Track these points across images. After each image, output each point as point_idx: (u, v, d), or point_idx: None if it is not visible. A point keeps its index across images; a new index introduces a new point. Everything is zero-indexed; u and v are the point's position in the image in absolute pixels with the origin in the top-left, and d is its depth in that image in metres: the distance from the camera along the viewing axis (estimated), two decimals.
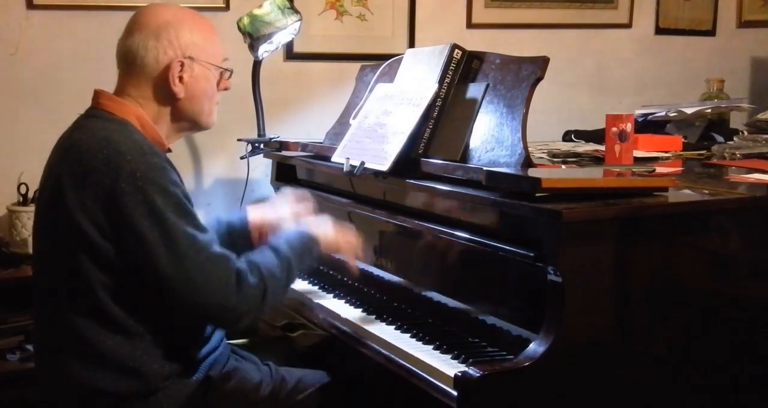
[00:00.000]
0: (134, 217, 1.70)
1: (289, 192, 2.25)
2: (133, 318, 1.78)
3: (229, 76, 1.99)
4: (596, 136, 2.94)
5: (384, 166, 2.10)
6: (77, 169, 1.74)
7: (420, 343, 1.88)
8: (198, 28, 1.91)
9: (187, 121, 1.95)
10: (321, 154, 2.58)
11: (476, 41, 3.12)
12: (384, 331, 1.99)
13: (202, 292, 1.73)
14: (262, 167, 3.10)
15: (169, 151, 1.94)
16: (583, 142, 3.02)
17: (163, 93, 1.89)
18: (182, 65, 1.87)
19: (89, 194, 1.71)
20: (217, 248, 1.78)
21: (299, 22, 2.88)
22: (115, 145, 1.74)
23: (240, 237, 2.14)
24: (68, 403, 1.83)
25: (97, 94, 1.90)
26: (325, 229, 2.06)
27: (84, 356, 1.79)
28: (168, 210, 1.71)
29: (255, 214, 2.21)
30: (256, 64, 2.91)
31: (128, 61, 1.88)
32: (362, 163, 2.17)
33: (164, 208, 1.71)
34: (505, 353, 1.78)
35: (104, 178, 1.71)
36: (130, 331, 1.78)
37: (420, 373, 1.78)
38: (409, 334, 1.94)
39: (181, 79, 1.88)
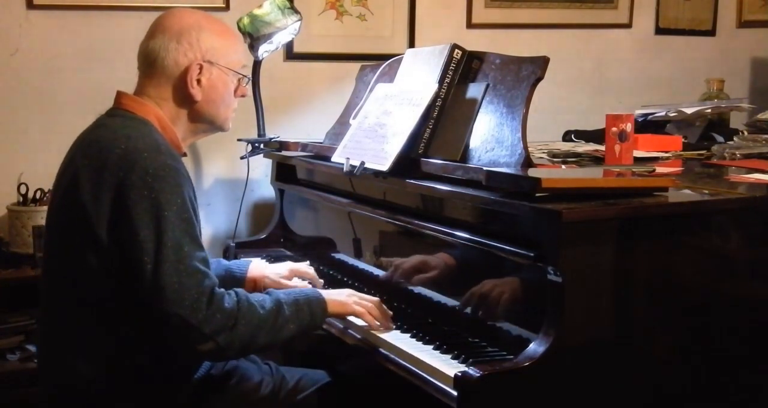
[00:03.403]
0: (136, 211, 1.70)
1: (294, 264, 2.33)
2: (134, 317, 1.77)
3: (247, 83, 2.01)
4: (596, 136, 2.94)
5: (384, 166, 2.10)
6: (96, 163, 1.76)
7: (420, 343, 1.88)
8: (219, 33, 1.94)
9: (204, 123, 1.97)
10: (321, 154, 2.58)
11: (476, 41, 3.11)
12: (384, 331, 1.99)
13: (169, 301, 1.68)
14: (262, 167, 3.11)
15: (185, 155, 1.95)
16: (583, 142, 3.02)
17: (181, 95, 1.91)
18: (201, 68, 1.90)
19: (104, 188, 1.73)
20: (199, 264, 1.73)
21: (299, 22, 2.88)
22: (133, 142, 1.76)
23: (234, 285, 2.05)
24: (70, 402, 1.83)
25: (119, 95, 1.93)
26: (337, 292, 2.02)
27: (86, 355, 1.79)
28: (170, 209, 1.72)
29: (255, 267, 2.25)
30: (256, 64, 2.90)
31: (149, 62, 1.90)
32: (362, 163, 2.17)
33: (167, 206, 1.71)
34: (505, 353, 1.78)
35: (119, 171, 1.73)
36: (132, 329, 1.79)
37: (420, 373, 1.77)
38: (409, 334, 1.94)
39: (199, 81, 1.90)
